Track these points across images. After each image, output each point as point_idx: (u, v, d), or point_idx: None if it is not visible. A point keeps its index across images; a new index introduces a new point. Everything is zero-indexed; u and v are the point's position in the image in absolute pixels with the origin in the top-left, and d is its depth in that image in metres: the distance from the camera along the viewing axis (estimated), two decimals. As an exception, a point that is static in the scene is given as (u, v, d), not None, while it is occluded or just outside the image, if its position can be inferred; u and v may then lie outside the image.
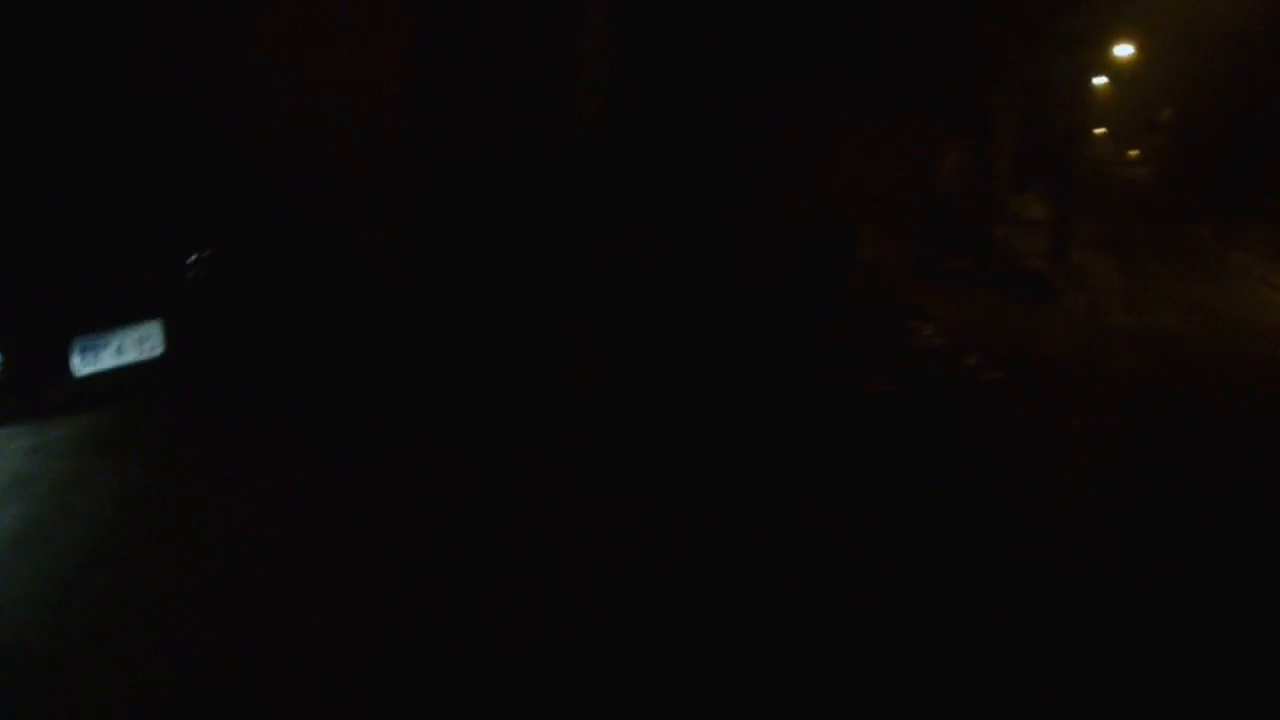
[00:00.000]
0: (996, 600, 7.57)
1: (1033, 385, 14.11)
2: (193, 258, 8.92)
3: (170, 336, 8.69)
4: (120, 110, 9.70)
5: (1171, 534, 9.32)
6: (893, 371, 13.24)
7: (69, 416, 9.13)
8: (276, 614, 6.55)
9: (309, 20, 10.78)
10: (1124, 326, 20.64)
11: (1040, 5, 28.95)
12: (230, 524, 7.74)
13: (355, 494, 8.39)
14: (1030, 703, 6.29)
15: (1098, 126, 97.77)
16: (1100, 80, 77.71)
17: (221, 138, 10.36)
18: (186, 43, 10.53)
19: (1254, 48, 44.80)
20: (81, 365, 8.21)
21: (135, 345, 8.53)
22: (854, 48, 17.40)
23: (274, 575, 7.03)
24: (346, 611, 6.60)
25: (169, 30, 10.52)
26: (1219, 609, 7.87)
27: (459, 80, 10.66)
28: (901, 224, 20.46)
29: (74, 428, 9.12)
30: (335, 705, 5.69)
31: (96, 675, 5.79)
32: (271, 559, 7.24)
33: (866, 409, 11.95)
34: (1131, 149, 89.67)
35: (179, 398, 9.85)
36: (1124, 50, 59.04)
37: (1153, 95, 74.73)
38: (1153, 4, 52.49)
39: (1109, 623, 7.42)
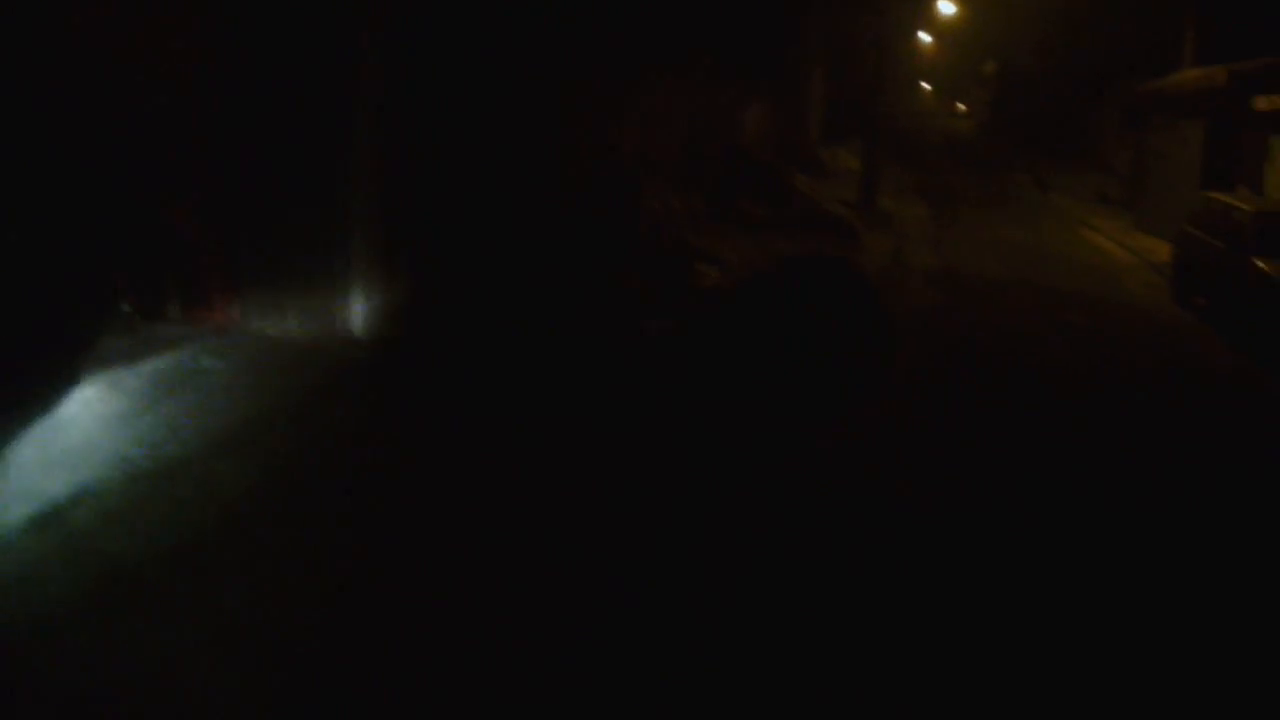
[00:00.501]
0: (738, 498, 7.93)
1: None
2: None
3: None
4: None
5: (917, 438, 9.87)
6: (672, 311, 13.52)
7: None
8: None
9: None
10: (924, 265, 21.36)
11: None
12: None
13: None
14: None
15: (924, 82, 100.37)
16: (926, 38, 79.80)
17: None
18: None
19: (1064, 4, 46.30)
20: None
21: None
22: (645, 6, 17.63)
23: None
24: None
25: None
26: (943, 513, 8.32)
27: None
28: (703, 175, 20.78)
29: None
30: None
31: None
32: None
33: (641, 346, 12.23)
34: (960, 103, 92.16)
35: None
36: (947, 8, 60.68)
37: (978, 50, 76.73)
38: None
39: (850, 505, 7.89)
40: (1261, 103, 21.75)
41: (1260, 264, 14.97)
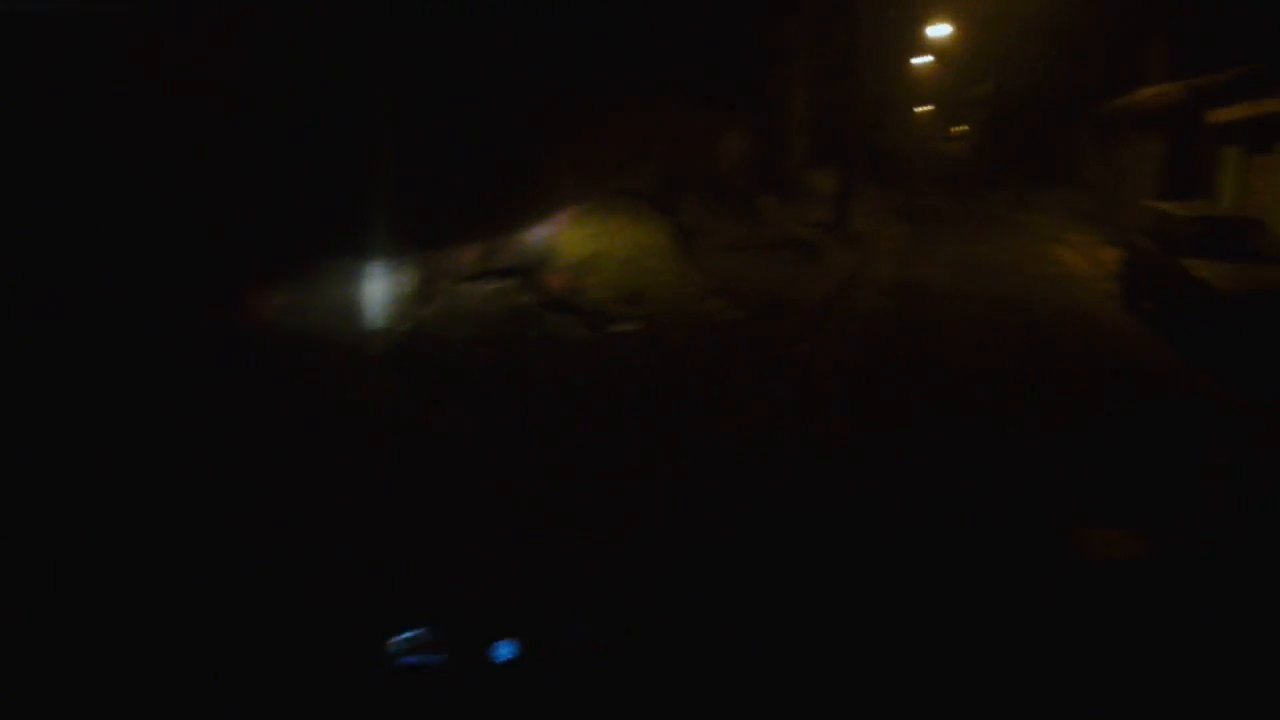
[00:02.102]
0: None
1: (768, 323, 16.19)
2: None
3: None
4: None
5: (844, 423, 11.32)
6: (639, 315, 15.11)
7: None
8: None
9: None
10: (883, 279, 22.75)
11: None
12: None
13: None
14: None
15: (924, 104, 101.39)
16: (924, 60, 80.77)
17: None
18: None
19: (1053, 26, 47.25)
20: None
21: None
22: (625, 39, 19.01)
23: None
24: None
25: None
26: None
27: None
28: (678, 200, 22.16)
29: None
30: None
31: None
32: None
33: (608, 343, 13.78)
34: (957, 125, 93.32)
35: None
36: (940, 30, 61.69)
37: (975, 72, 77.85)
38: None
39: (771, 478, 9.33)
40: (1215, 115, 22.92)
41: (1192, 267, 16.33)
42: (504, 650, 4.73)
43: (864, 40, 31.62)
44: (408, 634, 5.19)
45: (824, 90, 36.90)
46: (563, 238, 17.02)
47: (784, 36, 30.26)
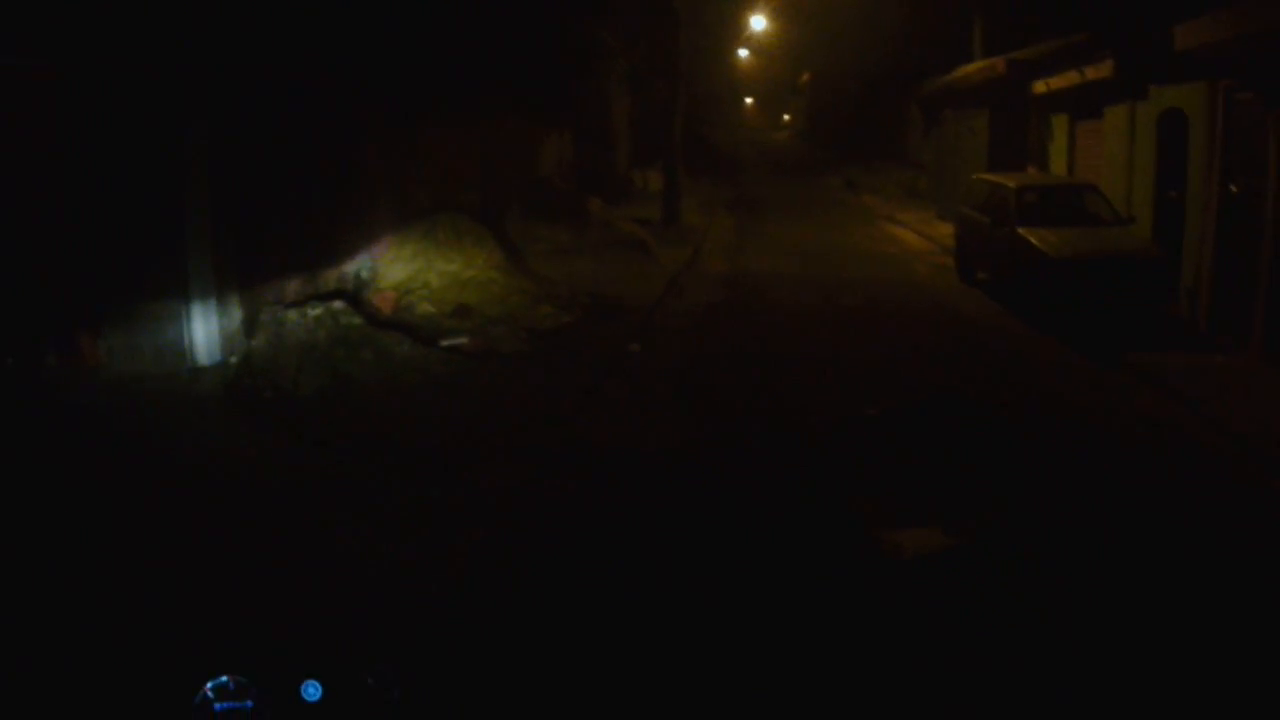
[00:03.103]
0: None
1: (599, 325, 16.48)
2: None
3: None
4: None
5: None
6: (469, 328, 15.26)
7: None
8: None
9: None
10: (715, 272, 23.26)
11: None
12: None
13: None
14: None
15: (748, 97, 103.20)
16: (746, 53, 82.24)
17: None
18: None
19: (867, 11, 48.26)
20: None
21: None
22: (437, 55, 19.03)
23: None
24: None
25: None
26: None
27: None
28: (502, 206, 22.30)
29: None
30: None
31: None
32: None
33: (440, 357, 13.92)
34: (783, 114, 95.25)
35: None
36: (759, 23, 62.81)
37: (794, 63, 79.49)
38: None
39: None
40: (1039, 86, 23.91)
41: (1022, 232, 17.02)
42: (311, 690, 4.84)
43: (684, 36, 31.97)
44: (218, 680, 5.27)
45: (646, 88, 37.28)
46: (387, 258, 17.07)
47: (600, 37, 30.51)
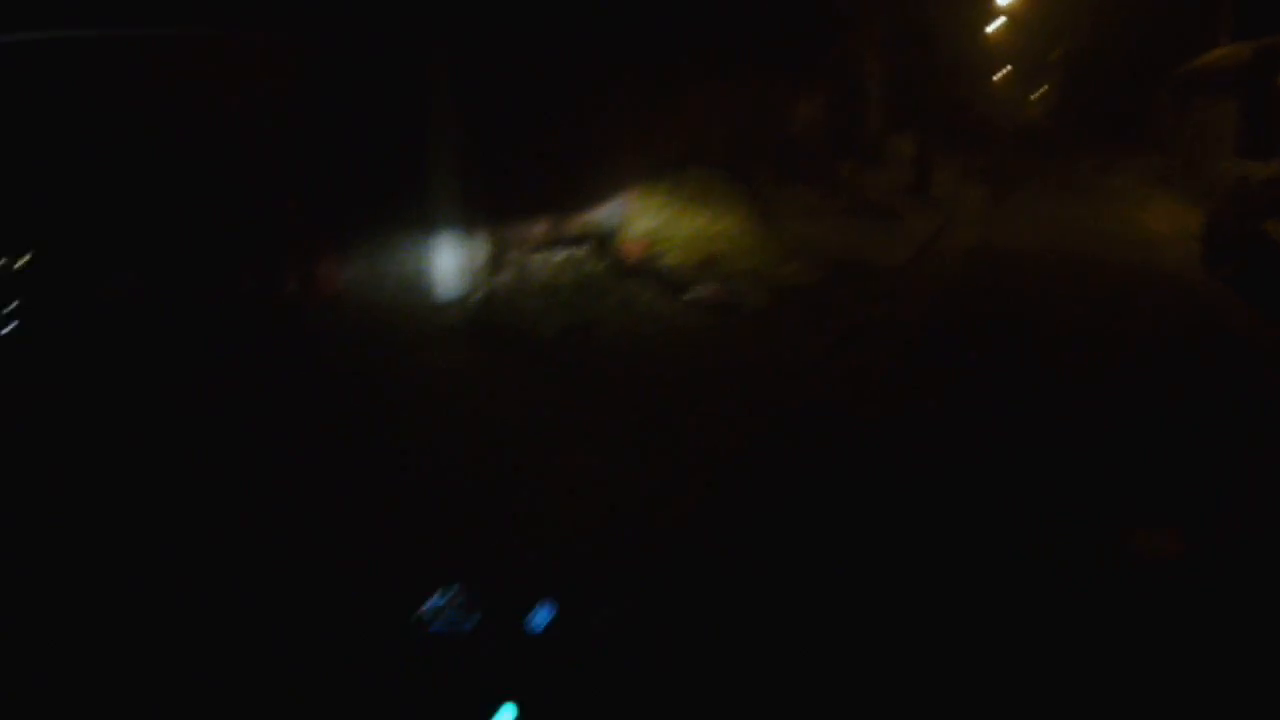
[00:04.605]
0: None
1: (846, 286, 15.88)
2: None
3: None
4: None
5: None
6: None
7: None
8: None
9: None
10: (962, 243, 22.34)
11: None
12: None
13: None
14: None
15: (1001, 68, 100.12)
16: (998, 24, 79.70)
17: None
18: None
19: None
20: None
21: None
22: (694, 8, 18.73)
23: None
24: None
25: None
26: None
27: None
28: (754, 167, 21.86)
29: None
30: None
31: None
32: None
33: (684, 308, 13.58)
34: (1035, 88, 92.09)
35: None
36: (1008, -4, 60.61)
37: (1046, 37, 76.75)
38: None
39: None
40: None
41: (1273, 230, 15.83)
42: (540, 616, 4.44)
43: (937, 4, 31.04)
44: (438, 598, 4.94)
45: (899, 56, 36.42)
46: (634, 208, 16.75)
47: (855, 2, 29.80)
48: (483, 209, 13.08)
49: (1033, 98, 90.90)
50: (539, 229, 14.44)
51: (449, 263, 12.53)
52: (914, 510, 7.81)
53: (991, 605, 6.34)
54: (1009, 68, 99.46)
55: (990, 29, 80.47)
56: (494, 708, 4.41)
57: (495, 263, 13.14)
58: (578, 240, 14.42)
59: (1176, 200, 30.62)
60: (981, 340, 13.56)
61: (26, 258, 8.67)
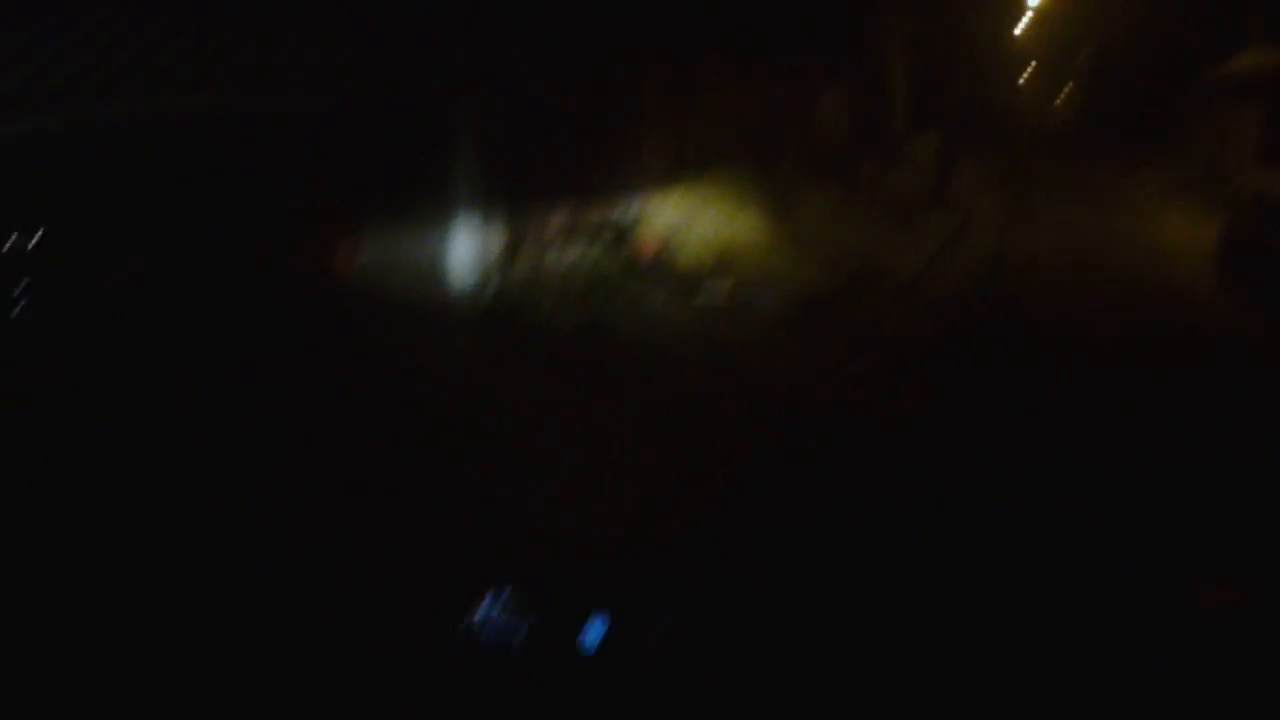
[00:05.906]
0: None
1: (859, 292, 15.94)
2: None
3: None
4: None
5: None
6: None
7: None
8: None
9: None
10: (980, 247, 22.27)
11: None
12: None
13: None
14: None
15: (1027, 69, 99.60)
16: (1025, 22, 79.19)
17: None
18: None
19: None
20: None
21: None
22: (706, 7, 18.69)
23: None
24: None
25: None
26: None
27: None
28: (772, 167, 21.81)
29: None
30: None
31: None
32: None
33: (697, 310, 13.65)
34: (1060, 91, 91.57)
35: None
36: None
37: (1073, 39, 76.29)
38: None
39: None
40: None
41: None
42: (594, 632, 4.50)
43: (964, 3, 30.86)
44: (487, 604, 4.98)
45: (924, 55, 36.19)
46: (651, 207, 16.76)
47: (876, 8, 29.72)
48: (502, 198, 13.15)
49: (1061, 97, 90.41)
50: (556, 221, 14.48)
51: (466, 251, 12.60)
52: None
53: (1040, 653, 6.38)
54: (1034, 64, 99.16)
55: (1018, 29, 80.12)
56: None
57: (511, 253, 13.18)
58: (594, 234, 14.45)
59: (1197, 207, 30.42)
60: (994, 356, 13.59)
61: (38, 236, 8.73)
